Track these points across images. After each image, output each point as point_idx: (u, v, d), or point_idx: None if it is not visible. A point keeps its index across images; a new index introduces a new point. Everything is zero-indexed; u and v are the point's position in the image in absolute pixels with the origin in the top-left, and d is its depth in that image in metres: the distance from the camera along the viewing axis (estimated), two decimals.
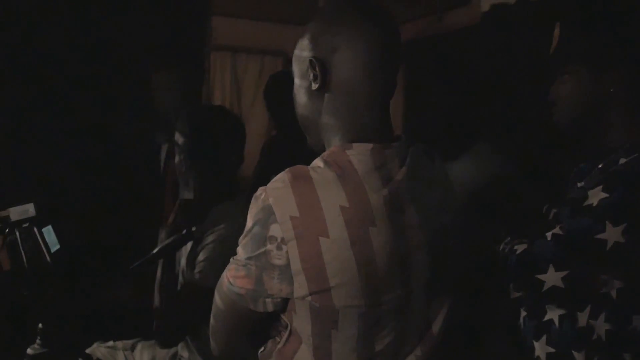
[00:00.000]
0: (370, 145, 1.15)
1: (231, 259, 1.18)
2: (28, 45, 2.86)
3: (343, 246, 1.06)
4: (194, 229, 1.75)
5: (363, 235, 1.07)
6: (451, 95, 3.30)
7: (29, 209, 1.71)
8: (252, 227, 1.11)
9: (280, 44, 4.71)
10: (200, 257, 1.78)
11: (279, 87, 2.98)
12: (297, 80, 1.25)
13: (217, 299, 1.22)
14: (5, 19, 2.88)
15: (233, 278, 1.15)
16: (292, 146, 2.52)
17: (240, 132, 1.98)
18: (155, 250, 1.66)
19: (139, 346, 2.02)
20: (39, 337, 1.74)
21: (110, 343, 2.05)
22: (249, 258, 1.12)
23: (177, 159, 1.95)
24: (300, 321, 1.14)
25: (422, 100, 3.82)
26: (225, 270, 1.19)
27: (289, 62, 3.50)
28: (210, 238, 1.80)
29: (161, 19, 3.32)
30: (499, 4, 3.23)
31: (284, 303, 1.14)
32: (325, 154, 1.17)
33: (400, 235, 1.12)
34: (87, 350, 1.98)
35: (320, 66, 1.17)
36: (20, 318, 2.16)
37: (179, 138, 1.91)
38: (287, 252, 1.07)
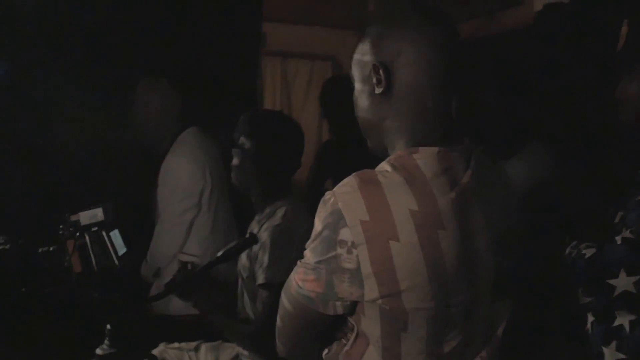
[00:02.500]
0: (436, 149, 1.15)
1: (298, 262, 1.20)
2: (94, 55, 2.95)
3: (413, 249, 1.07)
4: (257, 232, 1.78)
5: (432, 238, 1.08)
6: (506, 97, 3.27)
7: (98, 214, 1.77)
8: (322, 231, 1.13)
9: (329, 48, 4.73)
10: (265, 258, 1.82)
11: (335, 92, 3.01)
12: (358, 85, 1.25)
13: (285, 301, 1.23)
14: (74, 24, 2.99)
15: (302, 281, 1.17)
16: (348, 150, 2.55)
17: (301, 137, 2.02)
18: (220, 253, 1.69)
19: (203, 347, 2.07)
20: (107, 338, 1.78)
21: (176, 344, 2.09)
22: (319, 262, 1.13)
23: (236, 161, 1.99)
24: (369, 323, 1.15)
25: (476, 101, 3.79)
26: (292, 273, 1.21)
27: (338, 66, 3.55)
28: (266, 235, 1.85)
29: (214, 26, 3.39)
30: (553, 3, 3.18)
31: (353, 306, 1.15)
32: (391, 157, 1.18)
33: (467, 238, 1.12)
34: (154, 351, 2.03)
35: (384, 70, 1.18)
36: (89, 319, 2.24)
37: (244, 141, 1.95)
38: (357, 255, 1.09)
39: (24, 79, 2.72)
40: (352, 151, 2.05)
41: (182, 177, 2.58)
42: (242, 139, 1.96)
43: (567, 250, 1.55)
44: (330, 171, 3.10)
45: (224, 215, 2.69)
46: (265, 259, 1.82)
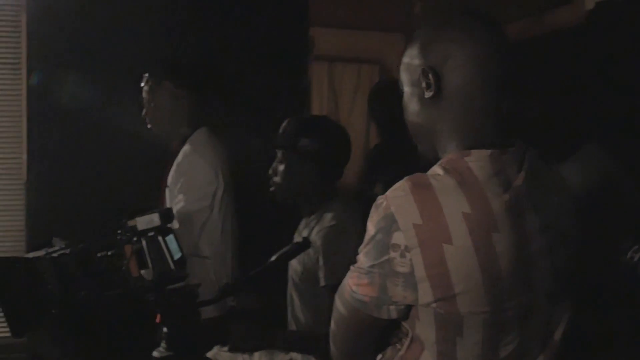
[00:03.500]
0: (488, 151, 1.15)
1: (352, 267, 1.21)
2: (146, 64, 3.03)
3: (467, 253, 1.07)
4: (308, 236, 1.80)
5: (486, 241, 1.08)
6: (558, 98, 3.22)
7: (154, 219, 1.81)
8: (375, 235, 1.14)
9: (376, 52, 4.73)
10: (323, 261, 1.83)
11: (384, 96, 3.01)
12: (407, 89, 1.26)
13: (339, 305, 1.24)
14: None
15: (356, 286, 1.18)
16: (397, 154, 2.55)
17: (350, 141, 2.04)
18: (273, 258, 1.72)
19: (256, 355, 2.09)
20: (164, 341, 1.82)
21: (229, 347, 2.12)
22: (372, 266, 1.14)
23: (287, 163, 2.00)
24: (424, 328, 1.15)
25: (525, 103, 3.74)
26: (346, 278, 1.22)
27: (385, 69, 3.55)
28: (319, 238, 1.86)
29: (261, 31, 3.43)
30: (606, 1, 3.12)
31: (407, 310, 1.16)
32: (443, 161, 1.18)
33: (522, 241, 1.11)
34: (208, 354, 2.06)
35: (433, 74, 1.19)
36: (147, 322, 2.29)
37: (305, 143, 1.96)
38: (410, 259, 1.09)
39: (81, 90, 2.80)
40: (401, 155, 2.06)
41: (197, 177, 2.58)
42: (303, 141, 1.96)
43: (629, 255, 1.52)
44: (380, 175, 3.10)
45: (232, 218, 2.69)
46: (323, 261, 1.83)
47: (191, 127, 2.69)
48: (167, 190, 2.65)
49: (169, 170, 2.70)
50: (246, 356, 2.07)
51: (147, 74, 2.68)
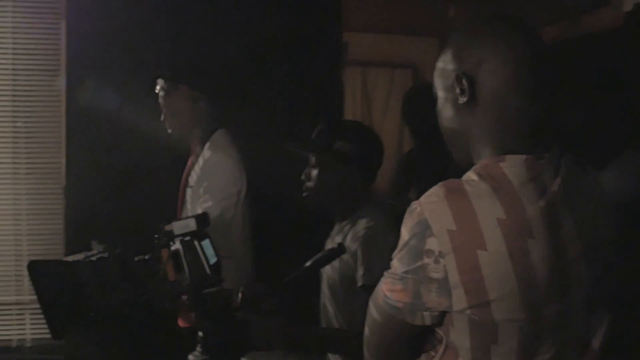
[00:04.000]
0: (523, 157, 1.14)
1: (385, 273, 1.20)
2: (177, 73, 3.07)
3: (502, 259, 1.06)
4: (345, 243, 1.80)
5: (521, 247, 1.07)
6: (594, 103, 3.17)
7: (190, 224, 1.83)
8: (408, 241, 1.14)
9: (410, 56, 4.72)
10: (360, 265, 1.83)
11: (418, 101, 3.01)
12: (441, 94, 1.26)
13: (373, 311, 1.24)
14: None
15: (389, 292, 1.18)
16: (431, 159, 2.54)
17: (381, 146, 2.04)
18: (308, 264, 1.72)
19: (291, 355, 2.09)
20: (199, 345, 1.84)
21: (264, 352, 2.13)
22: (406, 272, 1.14)
23: (322, 168, 2.00)
24: (458, 335, 1.14)
25: (563, 108, 3.68)
26: (380, 284, 1.22)
27: (419, 74, 3.54)
28: (355, 243, 1.86)
29: (295, 36, 3.45)
30: None
31: (442, 316, 1.15)
32: (477, 166, 1.18)
33: (558, 247, 1.10)
34: (243, 359, 2.07)
35: (467, 80, 1.18)
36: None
37: (344, 147, 1.96)
38: (444, 265, 1.09)
39: (119, 95, 2.85)
40: (435, 160, 2.05)
41: (224, 176, 2.60)
42: (338, 145, 1.96)
43: None
44: (414, 180, 3.09)
45: (250, 219, 2.71)
46: (360, 262, 1.83)
47: (209, 129, 2.71)
48: (188, 191, 2.67)
49: (188, 171, 2.73)
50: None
51: (162, 79, 2.70)
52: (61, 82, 3.19)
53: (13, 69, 3.24)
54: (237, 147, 2.69)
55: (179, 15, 3.29)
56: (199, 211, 2.51)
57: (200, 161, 2.67)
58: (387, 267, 1.20)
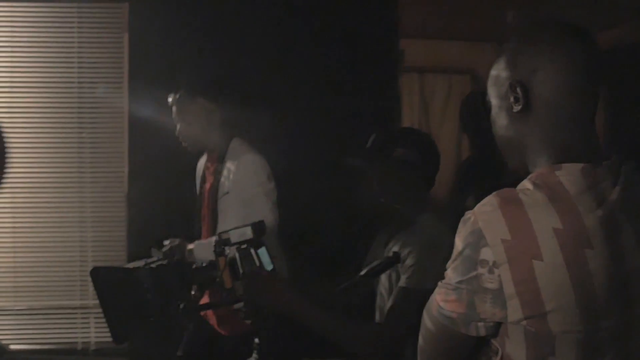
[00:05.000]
0: (580, 165, 1.11)
1: (439, 283, 1.19)
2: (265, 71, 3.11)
3: (558, 269, 1.04)
4: (400, 252, 1.79)
5: (579, 258, 1.05)
6: None
7: (247, 232, 1.86)
8: (462, 251, 1.12)
9: (467, 62, 4.67)
10: (409, 268, 1.81)
11: (475, 107, 2.97)
12: (495, 102, 1.24)
13: (427, 321, 1.23)
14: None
15: (443, 302, 1.17)
16: (489, 167, 2.50)
17: (438, 152, 2.02)
18: (363, 272, 1.72)
19: None
20: (255, 352, 1.86)
21: None
22: (460, 282, 1.13)
23: (383, 175, 1.99)
24: (514, 346, 1.12)
25: (627, 113, 3.58)
26: (434, 294, 1.21)
27: (477, 80, 3.50)
28: (409, 251, 1.84)
29: (351, 45, 3.46)
30: None
31: (496, 327, 1.13)
32: (533, 175, 1.15)
33: (618, 257, 1.07)
34: None
35: (521, 88, 1.16)
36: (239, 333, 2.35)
37: (405, 153, 1.94)
38: (499, 275, 1.07)
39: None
40: (493, 168, 2.02)
41: (261, 174, 2.64)
42: (397, 152, 1.94)
43: None
44: (472, 188, 3.05)
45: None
46: (410, 264, 1.80)
47: (224, 139, 2.74)
48: (224, 199, 2.67)
49: (209, 183, 2.76)
50: None
51: (177, 92, 2.74)
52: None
53: (78, 82, 3.36)
54: (257, 150, 2.73)
55: (236, 26, 3.35)
56: (239, 216, 2.55)
57: (229, 169, 2.69)
58: (435, 276, 1.20)
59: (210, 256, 2.39)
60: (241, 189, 2.63)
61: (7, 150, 0.49)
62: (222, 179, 2.69)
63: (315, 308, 1.78)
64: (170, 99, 2.74)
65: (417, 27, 4.02)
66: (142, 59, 3.32)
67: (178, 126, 2.74)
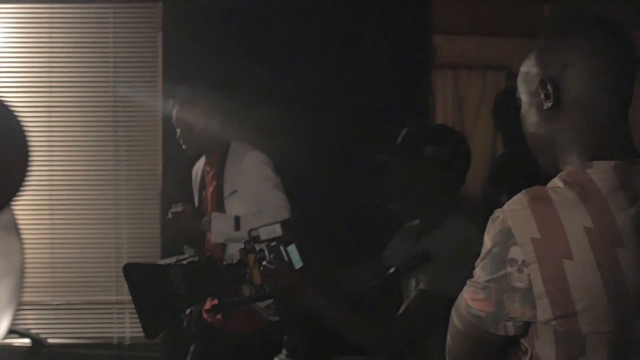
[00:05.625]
0: (612, 163, 1.09)
1: (468, 282, 1.18)
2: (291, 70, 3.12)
3: (589, 269, 1.02)
4: (434, 250, 1.76)
5: (610, 257, 1.03)
6: None
7: (276, 229, 1.87)
8: (491, 249, 1.11)
9: (502, 58, 4.60)
10: (433, 269, 1.78)
11: (507, 105, 2.93)
12: (525, 99, 1.22)
13: (456, 320, 1.22)
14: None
15: (472, 300, 1.15)
16: (522, 164, 2.46)
17: (469, 149, 1.98)
18: (391, 270, 1.71)
19: None
20: (284, 348, 1.87)
21: (348, 358, 2.13)
22: (489, 281, 1.11)
23: (409, 173, 1.96)
24: (544, 347, 1.10)
25: None
26: (462, 292, 1.20)
27: (512, 76, 3.43)
28: (437, 250, 1.81)
29: (383, 41, 3.45)
30: None
31: (526, 327, 1.12)
32: (563, 173, 1.14)
33: None
34: None
35: (552, 84, 1.14)
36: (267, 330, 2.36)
37: (435, 151, 1.91)
38: (528, 274, 1.06)
39: (213, 105, 2.92)
40: (527, 165, 1.98)
41: (267, 169, 2.70)
42: (427, 149, 1.90)
43: None
44: (505, 186, 3.01)
45: None
46: (432, 266, 1.77)
47: (224, 142, 2.78)
48: (231, 200, 2.71)
49: (212, 187, 2.78)
50: None
51: (180, 96, 2.78)
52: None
53: (114, 81, 3.42)
54: (258, 148, 2.78)
55: (268, 23, 3.36)
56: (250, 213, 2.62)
57: (233, 169, 2.73)
58: (458, 281, 1.18)
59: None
60: (249, 184, 2.68)
61: (29, 150, 0.50)
62: (226, 180, 2.73)
63: (333, 304, 1.78)
64: (171, 103, 2.81)
65: (450, 23, 3.99)
66: (176, 58, 3.36)
67: (178, 130, 2.79)
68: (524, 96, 1.23)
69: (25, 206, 3.56)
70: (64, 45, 3.47)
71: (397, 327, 1.78)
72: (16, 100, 3.54)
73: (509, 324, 1.12)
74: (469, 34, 4.47)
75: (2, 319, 0.49)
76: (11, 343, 3.35)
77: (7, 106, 0.41)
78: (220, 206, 2.72)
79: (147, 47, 3.48)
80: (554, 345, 1.08)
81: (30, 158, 0.41)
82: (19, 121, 0.41)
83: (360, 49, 3.44)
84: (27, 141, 0.42)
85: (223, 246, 2.63)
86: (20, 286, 0.50)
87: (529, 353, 1.14)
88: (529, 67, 1.20)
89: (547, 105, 1.15)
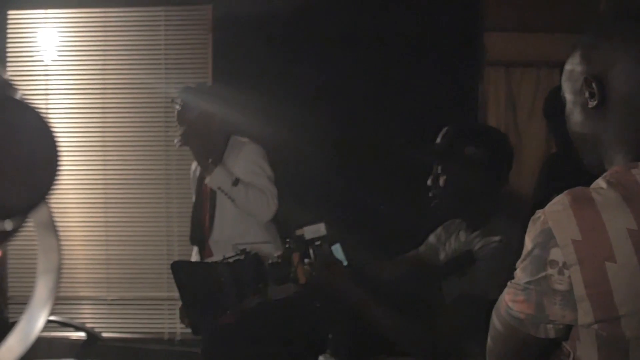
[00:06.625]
0: None
1: (509, 283, 1.17)
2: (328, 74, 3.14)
3: (633, 272, 1.00)
4: (478, 251, 1.75)
5: None
6: None
7: (321, 229, 1.88)
8: (532, 250, 1.10)
9: (556, 54, 4.49)
10: (472, 268, 1.75)
11: (558, 103, 2.87)
12: (569, 97, 1.20)
13: (496, 322, 1.21)
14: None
15: (512, 302, 1.14)
16: (574, 164, 2.40)
17: (511, 148, 1.95)
18: (438, 270, 1.70)
19: None
20: (329, 347, 1.88)
21: (392, 358, 2.13)
22: (529, 282, 1.10)
23: (444, 176, 1.93)
24: (586, 350, 1.08)
25: None
26: (503, 294, 1.19)
27: None
28: (485, 250, 1.78)
29: (434, 40, 3.42)
30: None
31: (567, 330, 1.10)
32: (607, 174, 1.11)
33: None
34: None
35: (597, 83, 1.12)
36: (313, 328, 2.38)
37: (473, 151, 1.88)
38: (569, 277, 1.04)
39: (262, 104, 2.97)
40: (578, 165, 1.93)
41: (262, 161, 2.79)
42: (469, 149, 1.87)
43: None
44: (556, 186, 2.95)
45: None
46: (474, 270, 1.75)
47: (223, 139, 2.85)
48: (218, 194, 2.79)
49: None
50: None
51: (182, 96, 2.83)
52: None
53: (165, 82, 3.49)
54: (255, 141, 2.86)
55: (318, 22, 3.38)
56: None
57: (229, 161, 2.80)
58: (497, 284, 1.17)
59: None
60: (244, 173, 2.76)
61: (57, 150, 0.51)
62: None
63: (375, 302, 1.78)
64: (175, 104, 2.86)
65: (502, 19, 3.93)
66: (226, 59, 3.41)
67: (180, 130, 2.84)
68: (568, 95, 1.21)
69: (81, 205, 3.68)
70: (117, 48, 3.57)
71: (438, 327, 1.77)
72: (72, 102, 3.66)
73: (549, 326, 1.10)
74: (522, 31, 4.39)
75: (40, 314, 0.51)
76: (68, 336, 3.48)
77: (32, 107, 0.43)
78: (213, 197, 2.83)
79: (197, 48, 3.55)
80: (596, 349, 1.06)
81: (59, 158, 0.43)
82: (45, 121, 0.43)
83: (409, 48, 3.43)
84: (55, 141, 0.43)
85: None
86: (57, 283, 0.52)
87: (571, 356, 1.12)
88: (573, 65, 1.18)
89: (592, 104, 1.13)
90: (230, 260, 1.96)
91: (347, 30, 3.40)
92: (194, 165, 3.00)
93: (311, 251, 1.88)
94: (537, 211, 1.12)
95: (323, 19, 3.39)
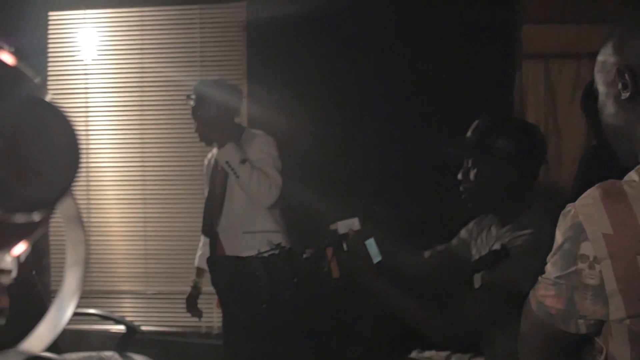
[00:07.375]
0: None
1: (539, 278, 1.16)
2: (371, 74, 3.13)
3: None
4: (508, 245, 1.73)
5: None
6: None
7: (354, 223, 1.89)
8: (562, 245, 1.08)
9: (596, 45, 4.41)
10: (505, 264, 1.73)
11: (595, 96, 2.82)
12: (602, 89, 1.19)
13: (527, 316, 1.20)
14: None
15: (542, 297, 1.13)
16: (613, 157, 2.36)
17: (544, 141, 1.92)
18: (472, 265, 1.68)
19: (453, 358, 2.06)
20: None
21: (427, 353, 2.12)
22: (559, 277, 1.09)
23: (474, 169, 1.91)
24: (618, 346, 1.07)
25: None
26: (533, 289, 1.18)
27: None
28: (515, 243, 1.76)
29: (473, 32, 3.39)
30: None
31: (599, 325, 1.08)
32: None
33: None
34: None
35: (630, 73, 1.10)
36: (346, 323, 2.39)
37: (503, 145, 1.85)
38: (600, 271, 1.02)
39: (294, 106, 2.98)
40: (616, 159, 1.90)
41: (272, 149, 2.86)
42: (500, 143, 1.84)
43: None
44: (595, 180, 2.89)
45: None
46: (503, 266, 1.72)
47: (236, 133, 2.89)
48: (228, 181, 2.85)
49: (223, 171, 2.86)
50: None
51: (196, 91, 2.86)
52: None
53: (201, 79, 3.52)
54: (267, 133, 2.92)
55: (352, 19, 3.38)
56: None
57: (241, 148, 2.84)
58: (527, 274, 1.16)
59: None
60: (253, 160, 2.81)
61: (78, 146, 0.53)
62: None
63: (401, 293, 1.77)
64: (190, 100, 2.90)
65: (540, 11, 3.87)
66: (261, 56, 3.43)
67: (196, 125, 2.89)
68: (601, 86, 1.19)
69: (120, 201, 3.76)
70: (154, 46, 3.63)
71: (464, 319, 1.75)
72: (111, 100, 3.73)
73: (580, 321, 1.09)
74: (561, 22, 4.32)
75: (68, 307, 0.53)
76: (108, 329, 3.55)
77: (58, 108, 0.45)
78: (224, 186, 2.89)
79: (232, 46, 3.58)
80: (629, 344, 1.05)
81: (80, 155, 0.45)
82: (69, 121, 0.45)
83: (447, 42, 3.41)
84: (77, 139, 0.45)
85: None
86: (84, 276, 0.54)
87: (604, 352, 1.11)
88: (605, 56, 1.16)
89: (625, 95, 1.11)
90: (265, 254, 1.97)
91: (384, 26, 3.39)
92: (209, 156, 3.07)
93: (345, 245, 1.88)
94: (568, 205, 1.11)
95: (358, 15, 3.39)
